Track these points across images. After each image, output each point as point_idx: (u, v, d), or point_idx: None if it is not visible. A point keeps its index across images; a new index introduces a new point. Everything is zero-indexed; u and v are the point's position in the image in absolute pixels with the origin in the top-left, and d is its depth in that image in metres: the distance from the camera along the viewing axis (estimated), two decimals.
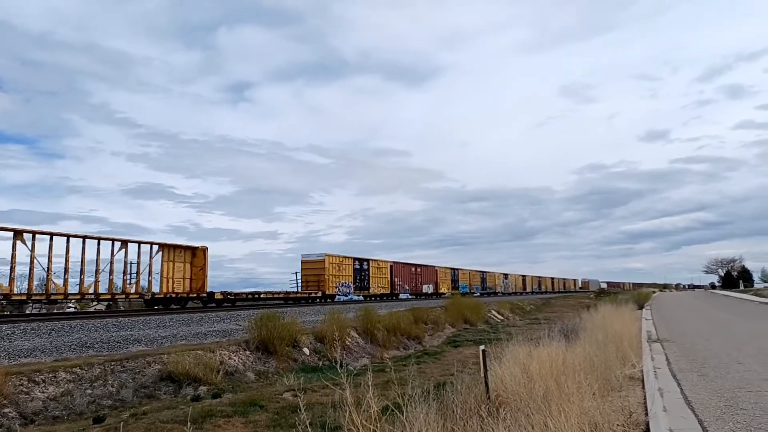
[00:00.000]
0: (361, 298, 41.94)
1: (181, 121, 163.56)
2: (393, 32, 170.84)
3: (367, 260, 43.31)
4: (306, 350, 15.85)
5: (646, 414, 6.88)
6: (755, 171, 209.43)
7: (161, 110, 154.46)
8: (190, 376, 11.56)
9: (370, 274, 43.51)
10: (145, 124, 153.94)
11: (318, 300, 36.66)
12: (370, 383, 5.09)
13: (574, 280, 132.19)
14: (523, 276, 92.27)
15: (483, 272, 72.61)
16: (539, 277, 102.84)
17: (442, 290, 56.53)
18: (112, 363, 11.23)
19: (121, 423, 7.97)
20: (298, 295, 35.67)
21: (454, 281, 61.05)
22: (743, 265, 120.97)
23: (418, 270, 53.06)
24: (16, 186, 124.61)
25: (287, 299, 33.96)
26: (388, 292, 46.13)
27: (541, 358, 7.44)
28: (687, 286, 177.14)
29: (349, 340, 17.89)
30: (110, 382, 10.67)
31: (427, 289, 53.88)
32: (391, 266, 47.38)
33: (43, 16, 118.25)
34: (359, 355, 17.37)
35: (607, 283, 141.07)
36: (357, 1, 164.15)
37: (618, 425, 5.99)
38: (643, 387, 8.80)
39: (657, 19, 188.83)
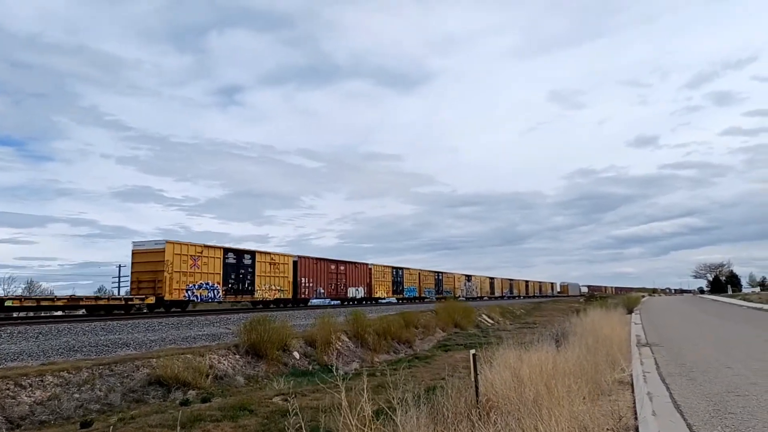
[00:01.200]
0: (248, 304, 32.61)
1: (171, 124, 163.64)
2: (385, 37, 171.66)
3: (252, 252, 31.52)
4: (296, 354, 15.78)
5: (636, 418, 6.91)
6: (742, 177, 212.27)
7: (151, 113, 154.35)
8: (179, 380, 11.48)
9: (257, 272, 31.24)
10: (135, 126, 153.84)
11: (148, 310, 25.55)
12: (365, 386, 5.08)
13: (552, 283, 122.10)
14: (491, 278, 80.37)
15: (438, 273, 61.21)
16: (510, 279, 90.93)
17: (379, 294, 45.91)
18: (100, 367, 11.13)
19: (109, 427, 7.90)
20: (100, 302, 22.96)
21: (397, 283, 49.85)
22: (731, 270, 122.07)
23: (341, 268, 40.51)
24: (4, 188, 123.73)
25: (83, 308, 22.75)
26: (290, 296, 34.09)
27: (532, 362, 7.45)
28: (674, 291, 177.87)
29: (340, 344, 17.84)
30: (98, 386, 10.58)
31: (356, 292, 42.04)
32: (295, 262, 35.17)
33: (33, 18, 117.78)
34: (350, 359, 17.33)
35: (588, 286, 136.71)
36: (349, 5, 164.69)
37: (608, 429, 6.01)
38: (633, 391, 8.83)
39: (646, 27, 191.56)
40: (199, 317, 20.74)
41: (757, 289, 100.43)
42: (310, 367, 15.24)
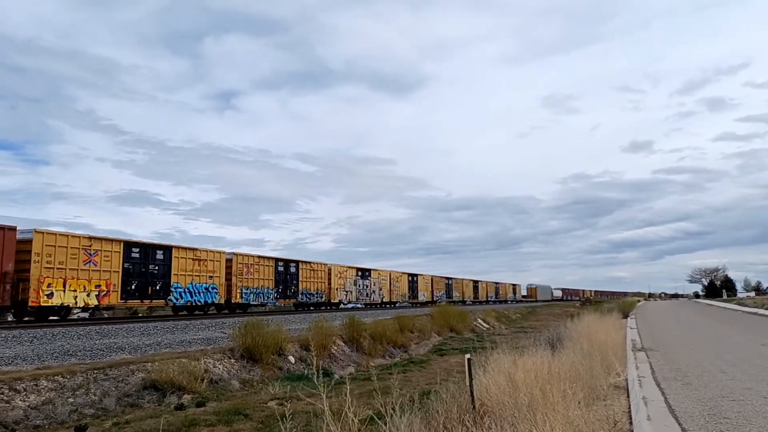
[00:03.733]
0: None
1: (167, 128, 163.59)
2: (378, 42, 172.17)
3: None
4: (291, 358, 15.76)
5: (631, 423, 6.91)
6: (736, 182, 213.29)
7: (147, 117, 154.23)
8: (174, 385, 11.45)
9: None
10: (131, 131, 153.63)
11: None
12: (347, 393, 5.06)
13: (515, 285, 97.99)
14: (412, 276, 54.19)
15: (288, 262, 34.08)
16: (448, 278, 64.72)
17: (66, 299, 20.34)
18: (95, 371, 11.09)
19: None
20: None
21: (152, 276, 24.32)
22: (726, 275, 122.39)
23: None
24: (1, 192, 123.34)
25: None
26: None
27: (526, 366, 7.45)
28: (663, 295, 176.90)
29: (335, 348, 17.81)
30: (93, 390, 10.53)
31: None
32: None
33: (28, 23, 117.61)
34: (345, 363, 17.31)
35: (562, 290, 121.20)
36: (343, 11, 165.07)
37: None
38: (628, 396, 8.83)
39: (637, 34, 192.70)
40: (194, 321, 20.69)
41: (752, 294, 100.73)
42: (306, 372, 15.20)
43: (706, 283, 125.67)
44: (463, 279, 69.46)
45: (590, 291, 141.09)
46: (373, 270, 45.85)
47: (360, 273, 43.80)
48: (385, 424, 5.03)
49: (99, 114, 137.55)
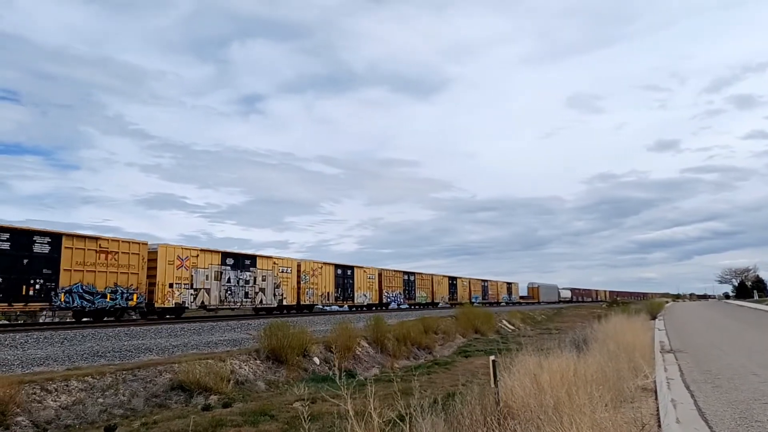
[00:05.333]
0: None
1: (193, 132, 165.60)
2: (401, 45, 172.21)
3: None
4: (316, 359, 15.84)
5: (659, 425, 6.81)
6: (766, 180, 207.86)
7: (174, 122, 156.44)
8: (201, 386, 11.60)
9: None
10: (158, 135, 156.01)
11: None
12: (371, 394, 5.08)
13: (510, 283, 77.68)
14: (344, 268, 37.86)
15: (35, 234, 18.75)
16: (408, 273, 47.88)
17: None
18: (124, 372, 11.29)
19: None
20: None
21: None
22: (757, 275, 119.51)
23: None
24: (32, 196, 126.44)
25: None
26: None
27: (552, 368, 7.38)
28: (695, 296, 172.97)
29: (360, 349, 17.86)
30: (121, 391, 10.73)
31: None
32: None
33: (58, 31, 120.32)
34: (369, 364, 17.34)
35: (572, 290, 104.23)
36: (365, 14, 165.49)
37: None
38: (656, 398, 8.71)
39: (661, 33, 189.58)
40: (220, 323, 20.92)
41: None
42: (331, 373, 15.27)
43: (736, 284, 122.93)
44: (432, 275, 52.67)
45: (605, 291, 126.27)
46: (261, 257, 29.92)
47: (232, 261, 27.86)
48: (408, 425, 5.04)
49: (127, 119, 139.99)
